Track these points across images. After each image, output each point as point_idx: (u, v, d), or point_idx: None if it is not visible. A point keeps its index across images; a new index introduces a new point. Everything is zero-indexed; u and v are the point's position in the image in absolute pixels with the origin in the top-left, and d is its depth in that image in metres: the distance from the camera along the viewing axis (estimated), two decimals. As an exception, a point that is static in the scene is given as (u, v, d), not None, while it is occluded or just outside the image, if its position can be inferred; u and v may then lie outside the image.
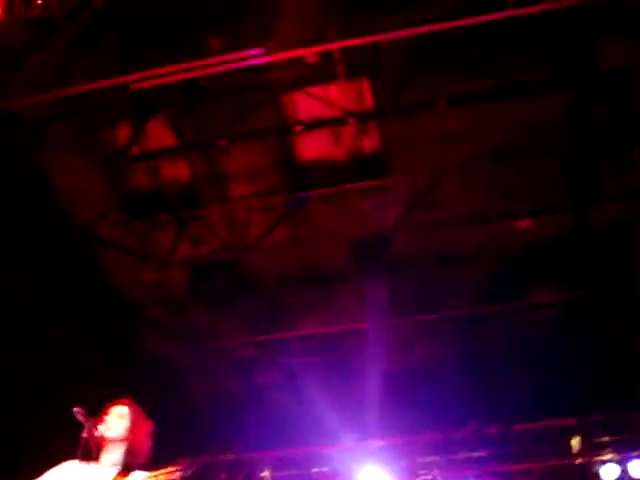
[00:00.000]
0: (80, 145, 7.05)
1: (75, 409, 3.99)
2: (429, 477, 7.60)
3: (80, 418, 4.03)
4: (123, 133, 7.08)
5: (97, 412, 4.26)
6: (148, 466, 4.15)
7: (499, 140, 6.78)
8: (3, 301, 7.22)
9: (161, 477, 3.89)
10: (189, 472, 3.89)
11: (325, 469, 8.30)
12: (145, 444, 4.34)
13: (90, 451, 4.17)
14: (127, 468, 4.17)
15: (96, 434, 4.15)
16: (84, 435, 4.03)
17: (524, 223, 7.29)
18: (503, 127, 6.76)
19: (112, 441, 4.24)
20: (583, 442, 7.61)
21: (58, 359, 7.47)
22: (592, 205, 7.22)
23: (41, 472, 4.34)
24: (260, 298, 8.10)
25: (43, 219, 7.18)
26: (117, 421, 4.29)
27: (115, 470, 4.21)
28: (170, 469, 3.90)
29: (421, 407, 7.38)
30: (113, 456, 4.27)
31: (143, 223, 7.66)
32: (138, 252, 7.73)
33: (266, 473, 8.38)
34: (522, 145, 6.82)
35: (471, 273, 7.35)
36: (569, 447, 7.65)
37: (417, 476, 7.87)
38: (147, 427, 4.40)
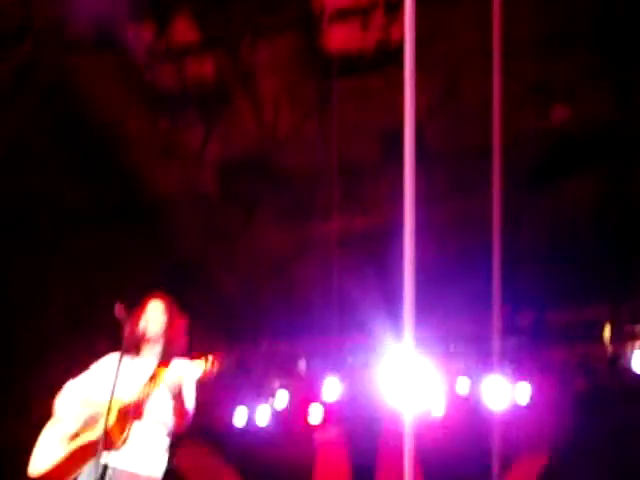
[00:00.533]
0: (103, 46, 6.95)
1: (116, 306, 4.08)
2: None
3: (121, 315, 4.13)
4: (147, 32, 6.96)
5: (133, 308, 4.36)
6: (186, 357, 4.29)
7: (533, 26, 6.54)
8: (35, 206, 7.31)
9: (200, 366, 4.02)
10: (226, 363, 4.02)
11: (360, 358, 8.48)
12: (182, 337, 4.50)
13: (132, 346, 4.30)
14: (167, 359, 4.32)
15: (136, 330, 4.28)
16: (126, 331, 4.14)
17: (560, 112, 7.11)
18: (537, 12, 6.51)
19: (151, 336, 4.38)
20: (615, 331, 7.67)
21: (94, 258, 7.59)
22: (632, 92, 6.99)
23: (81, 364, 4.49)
24: (291, 195, 8.10)
25: (70, 123, 7.17)
26: (155, 317, 4.43)
27: (155, 361, 4.36)
28: (207, 360, 4.02)
29: (454, 299, 7.43)
30: (153, 350, 4.41)
31: (171, 123, 7.62)
32: (167, 152, 7.72)
33: (301, 363, 8.60)
34: (558, 30, 6.58)
35: (504, 164, 7.23)
36: (601, 335, 7.72)
37: (449, 364, 8.01)
38: (183, 321, 4.54)
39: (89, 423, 4.20)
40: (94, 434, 4.10)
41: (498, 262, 3.62)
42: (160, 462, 4.31)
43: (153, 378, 4.23)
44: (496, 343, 4.88)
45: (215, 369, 4.03)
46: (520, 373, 7.82)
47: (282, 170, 7.99)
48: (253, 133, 7.74)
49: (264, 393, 8.78)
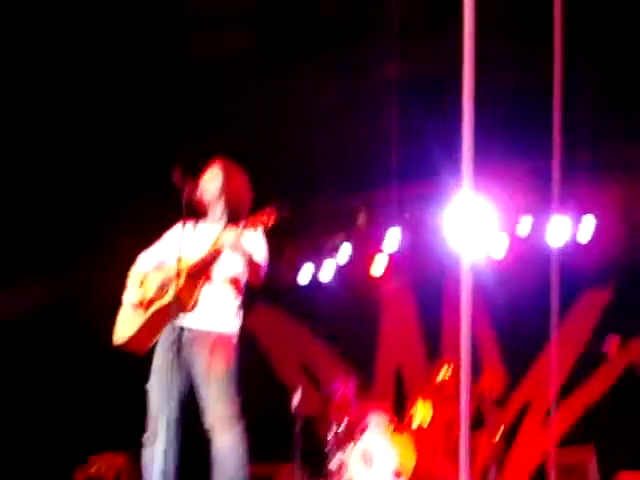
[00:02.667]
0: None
1: (174, 172, 4.14)
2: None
3: (179, 181, 4.19)
4: None
5: (193, 173, 4.41)
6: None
7: None
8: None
9: (259, 220, 4.09)
10: (284, 212, 4.09)
11: (420, 208, 8.44)
12: (244, 197, 4.56)
13: (195, 211, 4.38)
14: (234, 219, 4.39)
15: (195, 195, 4.34)
16: (185, 197, 4.21)
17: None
18: None
19: (209, 198, 4.44)
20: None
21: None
22: None
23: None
24: (340, 46, 7.84)
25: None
26: (211, 179, 4.48)
27: (223, 223, 4.44)
28: (267, 210, 4.10)
29: (513, 141, 7.24)
30: (217, 212, 4.49)
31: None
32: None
33: (362, 216, 8.63)
34: None
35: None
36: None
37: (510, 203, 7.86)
38: (243, 180, 4.58)
39: (162, 288, 4.35)
40: (168, 299, 4.24)
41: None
42: (232, 320, 4.48)
43: (217, 239, 4.33)
44: (556, 176, 4.67)
45: (273, 220, 4.11)
46: (582, 208, 7.69)
47: (327, 21, 7.72)
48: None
49: (327, 248, 8.90)
